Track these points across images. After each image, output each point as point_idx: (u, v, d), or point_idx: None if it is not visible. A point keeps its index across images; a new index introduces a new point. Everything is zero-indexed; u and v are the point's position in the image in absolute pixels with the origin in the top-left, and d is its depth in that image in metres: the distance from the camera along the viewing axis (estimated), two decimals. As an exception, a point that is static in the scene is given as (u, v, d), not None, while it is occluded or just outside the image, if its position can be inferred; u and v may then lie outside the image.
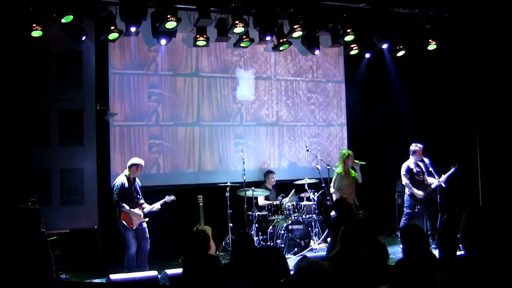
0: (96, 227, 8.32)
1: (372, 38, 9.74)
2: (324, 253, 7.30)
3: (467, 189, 9.43)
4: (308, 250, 8.64)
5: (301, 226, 8.78)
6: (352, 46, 9.73)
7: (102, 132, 8.63)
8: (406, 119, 10.34)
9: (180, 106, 9.31)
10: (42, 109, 8.20)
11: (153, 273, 6.43)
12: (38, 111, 8.17)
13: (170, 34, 8.67)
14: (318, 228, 9.05)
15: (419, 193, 8.59)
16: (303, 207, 9.00)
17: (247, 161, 9.19)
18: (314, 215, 9.08)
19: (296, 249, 8.59)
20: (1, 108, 7.29)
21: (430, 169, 8.56)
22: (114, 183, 7.59)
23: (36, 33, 7.47)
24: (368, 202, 9.11)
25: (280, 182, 9.57)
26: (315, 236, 8.98)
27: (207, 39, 8.78)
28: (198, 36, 8.70)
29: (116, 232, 7.56)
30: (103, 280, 7.09)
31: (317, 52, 9.80)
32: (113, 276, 6.32)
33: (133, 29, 8.25)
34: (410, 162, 8.74)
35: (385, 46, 9.78)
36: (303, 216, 8.92)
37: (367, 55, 10.11)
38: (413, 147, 8.73)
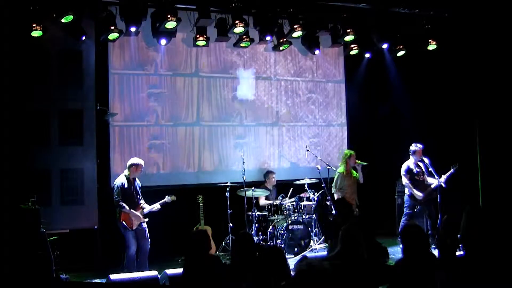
0: (96, 227, 8.32)
1: (372, 38, 9.74)
2: (324, 253, 7.31)
3: (467, 189, 9.43)
4: (309, 251, 8.63)
5: (301, 226, 8.79)
6: (352, 46, 9.73)
7: (102, 132, 8.63)
8: (406, 119, 10.34)
9: (180, 106, 9.31)
10: (42, 109, 8.19)
11: (153, 273, 6.43)
12: (38, 111, 8.16)
13: (170, 34, 8.67)
14: (318, 228, 9.05)
15: (419, 194, 8.59)
16: (303, 207, 9.00)
17: (247, 161, 9.19)
18: (314, 215, 9.08)
19: (296, 249, 8.59)
20: (1, 108, 7.29)
21: (430, 169, 8.56)
22: (114, 183, 7.60)
23: (36, 33, 7.47)
24: (368, 202, 9.10)
25: (280, 182, 9.57)
26: (315, 236, 8.98)
27: (207, 39, 8.78)
28: (198, 36, 8.70)
29: (116, 232, 7.56)
30: (103, 280, 7.09)
31: (317, 52, 9.80)
32: (113, 276, 6.33)
33: (133, 29, 8.25)
34: (410, 162, 8.74)
35: (385, 46, 9.78)
36: (303, 216, 8.92)
37: (367, 55, 10.11)
38: (413, 147, 8.73)
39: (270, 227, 8.85)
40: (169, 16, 8.03)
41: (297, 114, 10.22)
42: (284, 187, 9.45)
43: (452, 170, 8.50)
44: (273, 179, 9.40)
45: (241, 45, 9.17)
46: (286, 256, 4.31)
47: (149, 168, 8.85)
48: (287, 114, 10.14)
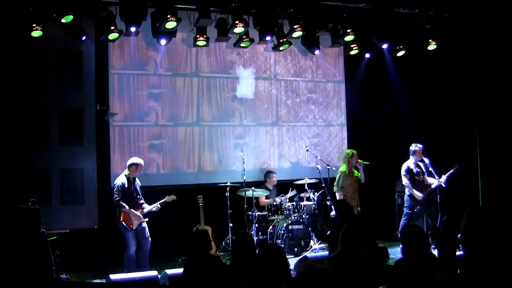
0: (96, 227, 8.32)
1: (372, 38, 9.74)
2: (324, 253, 7.31)
3: (467, 189, 9.43)
4: (310, 251, 8.63)
5: (301, 226, 8.79)
6: (352, 46, 9.72)
7: (102, 132, 8.63)
8: (406, 119, 10.34)
9: (180, 106, 9.30)
10: (42, 109, 8.20)
11: (153, 273, 6.44)
12: (38, 111, 8.17)
13: (170, 34, 8.67)
14: (316, 230, 9.05)
15: (419, 194, 8.58)
16: (303, 207, 9.00)
17: (247, 161, 9.19)
18: (314, 215, 9.08)
19: (296, 249, 8.59)
20: (1, 108, 7.29)
21: (430, 169, 8.56)
22: (114, 183, 7.60)
23: (36, 33, 7.47)
24: (368, 202, 9.10)
25: (280, 182, 9.56)
26: (315, 236, 8.97)
27: (207, 39, 8.78)
28: (198, 36, 8.70)
29: (116, 232, 7.56)
30: (103, 280, 7.09)
31: (317, 52, 9.80)
32: (113, 276, 6.33)
33: (133, 29, 8.25)
34: (410, 163, 8.74)
35: (385, 46, 9.78)
36: (303, 216, 8.92)
37: (367, 55, 10.10)
38: (413, 147, 8.72)
39: (270, 227, 8.85)
40: (169, 16, 8.03)
41: (297, 114, 10.22)
42: (284, 187, 9.44)
43: (452, 170, 8.49)
44: (274, 178, 9.40)
45: (241, 45, 9.17)
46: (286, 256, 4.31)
47: (149, 168, 8.85)
48: (287, 114, 10.14)
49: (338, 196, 8.68)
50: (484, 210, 7.07)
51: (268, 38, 9.02)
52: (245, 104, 9.79)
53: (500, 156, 9.31)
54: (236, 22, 8.47)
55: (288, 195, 9.18)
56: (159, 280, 6.28)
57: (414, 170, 8.68)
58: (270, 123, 10.01)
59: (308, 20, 9.02)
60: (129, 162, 7.65)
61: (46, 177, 8.19)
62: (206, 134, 9.46)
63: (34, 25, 7.43)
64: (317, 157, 9.49)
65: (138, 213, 7.50)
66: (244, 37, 8.98)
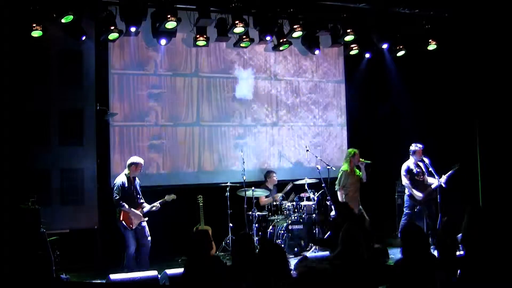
0: (96, 227, 8.32)
1: (372, 38, 9.74)
2: (324, 253, 7.31)
3: (467, 189, 9.43)
4: (310, 251, 8.63)
5: (301, 226, 8.79)
6: (352, 46, 9.72)
7: (102, 132, 8.63)
8: (406, 119, 10.33)
9: (180, 106, 9.30)
10: (42, 109, 8.20)
11: (153, 273, 6.43)
12: (38, 111, 8.17)
13: (170, 34, 8.67)
14: (318, 228, 9.05)
15: (418, 194, 8.57)
16: (303, 207, 9.00)
17: (247, 161, 9.19)
18: (314, 215, 9.08)
19: (296, 249, 8.59)
20: (1, 108, 7.29)
21: (430, 169, 8.56)
22: (114, 182, 7.60)
23: (36, 33, 7.47)
24: (368, 202, 9.10)
25: (280, 182, 9.57)
26: (312, 243, 8.95)
27: (207, 39, 8.78)
28: (198, 36, 8.70)
29: (116, 232, 7.56)
30: (103, 280, 7.09)
31: (317, 52, 9.80)
32: (113, 276, 6.32)
33: (133, 29, 8.25)
34: (410, 162, 8.73)
35: (385, 46, 9.78)
36: (303, 216, 8.92)
37: (367, 55, 10.10)
38: (413, 147, 8.72)
39: (270, 227, 8.85)
40: (169, 16, 8.03)
41: (297, 114, 10.22)
42: (284, 187, 9.45)
43: (452, 170, 8.49)
44: (274, 178, 9.41)
45: (241, 45, 9.17)
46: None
47: (149, 168, 8.85)
48: (287, 114, 10.14)
49: (339, 194, 8.68)
50: (484, 210, 7.08)
51: (268, 38, 9.02)
52: (245, 104, 9.79)
53: (500, 156, 9.30)
54: (236, 22, 8.47)
55: (285, 190, 9.18)
56: (159, 280, 6.27)
57: (414, 170, 8.67)
58: (270, 123, 10.01)
59: (308, 20, 9.01)
60: (129, 161, 7.65)
61: (46, 177, 8.19)
62: (206, 134, 9.46)
63: (34, 25, 7.43)
64: (317, 157, 9.48)
65: (138, 212, 7.50)
66: (244, 37, 8.98)
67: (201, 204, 8.53)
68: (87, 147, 8.49)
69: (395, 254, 7.55)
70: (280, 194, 9.25)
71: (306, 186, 9.15)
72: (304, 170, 9.80)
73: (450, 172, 8.48)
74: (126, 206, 7.39)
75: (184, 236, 8.08)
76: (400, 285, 4.12)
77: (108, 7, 8.05)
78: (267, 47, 9.82)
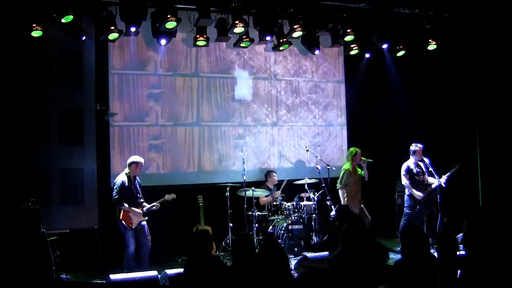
0: (96, 227, 8.32)
1: (372, 38, 9.73)
2: (324, 253, 7.30)
3: (467, 189, 9.43)
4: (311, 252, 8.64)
5: (301, 226, 8.78)
6: (352, 46, 9.72)
7: (102, 132, 8.63)
8: (406, 119, 10.34)
9: (180, 106, 9.30)
10: (42, 109, 8.21)
11: (153, 273, 6.43)
12: (38, 111, 8.18)
13: (170, 34, 8.67)
14: (318, 228, 9.04)
15: (418, 194, 8.58)
16: (303, 207, 9.00)
17: (247, 161, 9.19)
18: (314, 215, 9.08)
19: (296, 249, 8.59)
20: (1, 108, 7.29)
21: (430, 169, 8.56)
22: (114, 181, 7.60)
23: (36, 33, 7.47)
24: (368, 202, 9.10)
25: (280, 182, 9.57)
26: (315, 236, 8.97)
27: (207, 39, 8.78)
28: (198, 36, 8.70)
29: (116, 232, 7.56)
30: (103, 280, 7.09)
31: (317, 52, 9.80)
32: (113, 276, 6.32)
33: (133, 29, 8.25)
34: (410, 162, 8.73)
35: (385, 46, 9.78)
36: (303, 216, 8.92)
37: (367, 55, 10.10)
38: (413, 147, 8.72)
39: (270, 227, 8.85)
40: (169, 16, 8.03)
41: (297, 114, 10.22)
42: (284, 187, 9.45)
43: (452, 170, 8.49)
44: (275, 178, 9.41)
45: (241, 45, 9.17)
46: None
47: (149, 168, 8.85)
48: (287, 114, 10.14)
49: (341, 193, 8.68)
50: (485, 210, 7.08)
51: (268, 38, 9.01)
52: (245, 104, 9.79)
53: (500, 156, 9.30)
54: (236, 22, 8.47)
55: (282, 187, 9.22)
56: (159, 280, 6.27)
57: (414, 170, 8.67)
58: (270, 123, 10.01)
59: (308, 20, 9.01)
60: (129, 161, 7.65)
61: (46, 177, 8.20)
62: (206, 134, 9.46)
63: (34, 25, 7.42)
64: (317, 157, 9.49)
65: (138, 211, 7.50)
66: (244, 37, 8.98)
67: (201, 204, 8.53)
68: (87, 147, 8.49)
69: (395, 254, 7.58)
70: (279, 192, 9.25)
71: (306, 186, 9.15)
72: (304, 170, 9.80)
73: (450, 172, 8.48)
74: (126, 205, 7.39)
75: (184, 236, 8.10)
76: (400, 285, 4.12)
77: (108, 7, 8.05)
78: (267, 47, 9.82)
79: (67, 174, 8.35)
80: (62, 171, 8.33)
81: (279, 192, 9.27)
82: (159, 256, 8.06)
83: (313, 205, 9.08)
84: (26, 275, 6.49)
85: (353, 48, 9.76)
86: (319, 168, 9.08)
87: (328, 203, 9.01)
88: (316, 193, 9.15)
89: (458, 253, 4.46)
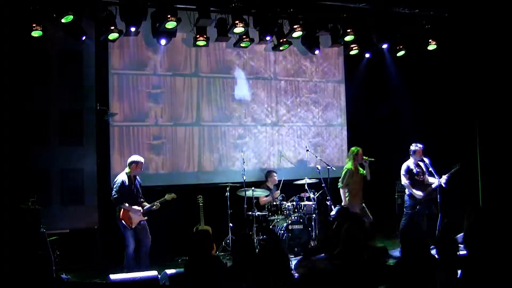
0: (96, 227, 8.33)
1: (372, 38, 9.73)
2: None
3: (467, 189, 9.43)
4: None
5: (301, 226, 8.78)
6: (352, 46, 9.72)
7: (102, 132, 8.63)
8: (406, 119, 10.34)
9: (180, 106, 9.30)
10: (42, 109, 8.20)
11: (153, 273, 6.43)
12: (38, 111, 8.17)
13: (170, 34, 8.67)
14: (318, 228, 9.04)
15: (418, 193, 8.57)
16: (303, 207, 9.00)
17: (247, 161, 9.19)
18: (314, 215, 9.08)
19: (296, 249, 8.58)
20: (1, 108, 7.29)
21: (430, 169, 8.56)
22: (114, 180, 7.59)
23: (36, 33, 7.47)
24: (368, 202, 9.10)
25: (280, 182, 9.57)
26: (313, 241, 8.95)
27: (207, 39, 8.78)
28: (198, 36, 8.70)
29: (116, 232, 7.56)
30: (103, 280, 7.09)
31: (317, 52, 9.80)
32: (113, 276, 6.32)
33: (133, 29, 8.25)
34: (410, 162, 8.73)
35: (385, 46, 9.78)
36: (303, 216, 8.92)
37: (367, 55, 10.10)
38: (413, 147, 8.72)
39: (270, 227, 8.84)
40: (169, 16, 8.03)
41: (297, 114, 10.22)
42: (284, 187, 9.45)
43: (453, 170, 8.48)
44: (275, 178, 9.41)
45: (241, 45, 9.17)
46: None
47: (149, 168, 8.85)
48: (287, 114, 10.14)
49: (342, 192, 8.67)
50: (485, 210, 7.08)
51: (268, 38, 9.01)
52: (245, 104, 9.79)
53: (500, 156, 9.30)
54: (236, 22, 8.47)
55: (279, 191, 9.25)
56: (159, 280, 6.27)
57: (414, 170, 8.67)
58: (270, 123, 10.01)
59: (308, 20, 9.02)
60: (129, 160, 7.65)
61: (46, 177, 8.20)
62: (206, 134, 9.46)
63: (34, 25, 7.42)
64: (317, 157, 9.49)
65: (138, 211, 7.49)
66: (244, 37, 8.98)
67: (201, 204, 8.53)
68: (87, 147, 8.49)
69: (395, 254, 7.57)
70: (279, 192, 9.25)
71: (306, 186, 9.15)
72: (304, 170, 9.80)
73: (450, 172, 8.47)
74: (126, 204, 7.39)
75: (184, 236, 8.11)
76: (400, 285, 4.12)
77: (108, 7, 8.05)
78: (267, 47, 9.82)
79: (67, 174, 8.35)
80: (62, 171, 8.33)
81: (279, 192, 9.26)
82: (159, 256, 8.06)
83: (313, 205, 9.07)
84: (26, 275, 6.49)
85: (353, 48, 9.76)
86: (319, 168, 9.08)
87: (328, 203, 9.01)
88: (316, 193, 9.15)
89: (458, 253, 4.46)
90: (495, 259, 4.12)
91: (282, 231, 8.65)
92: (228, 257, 8.17)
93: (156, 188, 8.49)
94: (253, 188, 8.80)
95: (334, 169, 9.13)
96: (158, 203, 7.67)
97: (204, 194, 8.65)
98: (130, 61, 8.93)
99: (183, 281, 4.70)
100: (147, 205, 7.63)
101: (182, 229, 8.49)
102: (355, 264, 4.33)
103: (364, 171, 8.78)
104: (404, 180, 8.70)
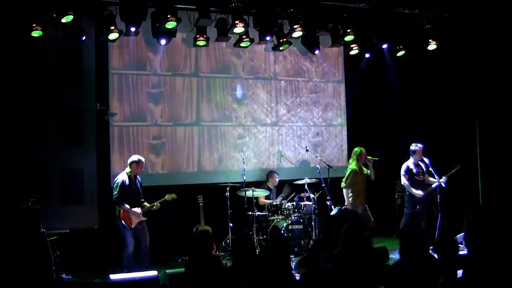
0: (96, 227, 8.32)
1: (372, 38, 9.73)
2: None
3: (467, 189, 9.43)
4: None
5: (301, 226, 8.79)
6: (352, 46, 9.72)
7: (102, 132, 8.63)
8: (406, 119, 10.34)
9: (180, 106, 9.30)
10: (42, 109, 8.20)
11: (153, 273, 6.43)
12: (38, 111, 8.17)
13: (170, 34, 8.67)
14: (318, 228, 9.04)
15: (418, 192, 8.57)
16: (303, 207, 9.00)
17: (247, 161, 9.19)
18: (314, 215, 9.08)
19: (296, 249, 8.59)
20: (1, 108, 7.29)
21: (430, 169, 8.55)
22: (115, 180, 7.59)
23: (36, 33, 7.46)
24: (368, 202, 9.10)
25: (280, 182, 9.57)
26: (315, 236, 8.96)
27: (207, 39, 8.78)
28: (198, 36, 8.70)
29: (116, 232, 7.55)
30: (103, 280, 7.09)
31: (317, 52, 9.80)
32: (113, 276, 6.32)
33: (133, 29, 8.25)
34: (409, 162, 8.73)
35: (385, 46, 9.78)
36: (303, 216, 8.92)
37: (367, 55, 10.10)
38: (413, 147, 8.71)
39: (270, 227, 8.84)
40: (169, 16, 8.03)
41: (297, 114, 10.22)
42: (283, 187, 9.45)
43: (453, 170, 8.48)
44: (276, 179, 9.43)
45: (241, 45, 9.17)
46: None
47: (149, 168, 8.85)
48: (287, 114, 10.14)
49: (345, 192, 8.66)
50: (486, 209, 7.07)
51: (268, 38, 9.01)
52: (245, 104, 9.79)
53: (500, 156, 9.31)
54: (236, 22, 8.46)
55: (283, 193, 9.22)
56: (159, 280, 6.27)
57: (414, 170, 8.66)
58: (270, 123, 10.01)
59: (308, 20, 9.02)
60: (130, 160, 7.64)
61: (46, 177, 8.20)
62: (206, 134, 9.46)
63: (34, 25, 7.42)
64: (317, 157, 9.49)
65: (138, 211, 7.49)
66: (244, 37, 8.98)
67: (201, 204, 8.53)
68: (87, 147, 8.49)
69: (395, 254, 7.58)
70: (279, 197, 9.23)
71: (306, 186, 9.15)
72: (304, 170, 9.80)
73: (451, 172, 8.47)
74: (126, 205, 7.38)
75: (184, 236, 8.11)
76: (400, 286, 4.12)
77: (108, 7, 8.05)
78: (267, 47, 9.82)
79: (67, 174, 8.35)
80: (62, 171, 8.33)
81: (279, 197, 9.23)
82: (159, 256, 8.07)
83: (313, 205, 9.08)
84: (26, 275, 6.49)
85: (353, 48, 9.76)
86: (319, 168, 9.08)
87: (328, 203, 9.01)
88: (316, 193, 9.15)
89: (459, 252, 4.46)
90: (496, 258, 4.12)
91: (282, 231, 8.64)
92: (228, 257, 8.17)
93: (156, 188, 8.48)
94: (253, 188, 8.80)
95: (334, 169, 9.13)
96: (158, 204, 7.67)
97: (204, 194, 8.65)
98: (130, 61, 8.93)
99: (183, 281, 4.69)
100: (147, 205, 7.62)
101: (182, 229, 8.49)
102: (355, 264, 4.32)
103: (368, 171, 8.78)
104: (404, 180, 8.69)
